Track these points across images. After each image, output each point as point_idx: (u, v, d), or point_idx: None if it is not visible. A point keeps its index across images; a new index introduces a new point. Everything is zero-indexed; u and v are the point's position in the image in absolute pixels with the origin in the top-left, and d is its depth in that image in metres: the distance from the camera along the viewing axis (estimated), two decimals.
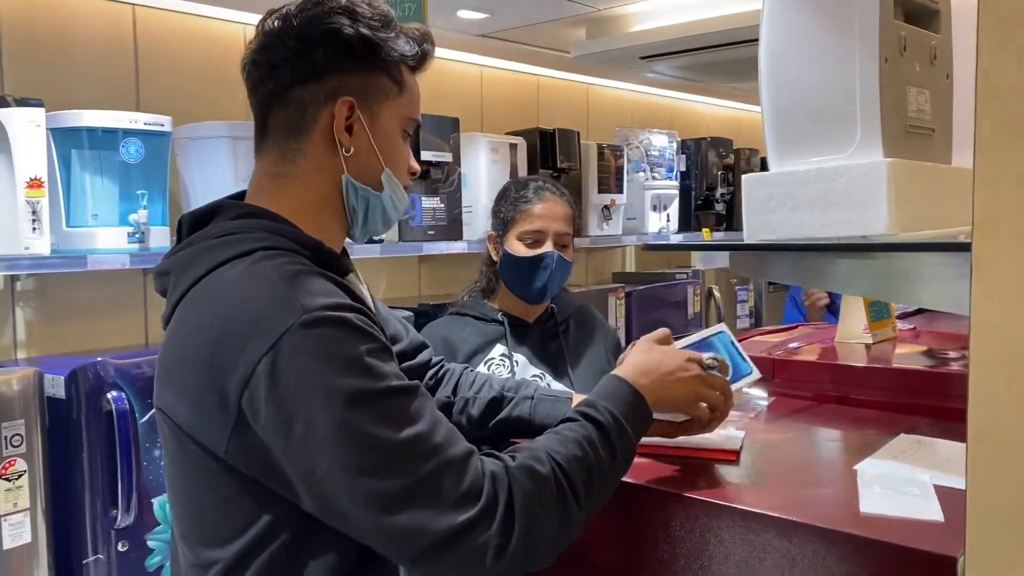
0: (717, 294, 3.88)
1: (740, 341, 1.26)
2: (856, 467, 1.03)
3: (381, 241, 2.67)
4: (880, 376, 1.38)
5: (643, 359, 1.11)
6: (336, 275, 1.00)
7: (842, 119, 1.03)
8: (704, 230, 3.97)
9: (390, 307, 2.38)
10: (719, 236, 4.07)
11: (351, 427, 0.85)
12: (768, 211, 1.09)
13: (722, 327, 1.19)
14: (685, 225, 4.02)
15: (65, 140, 2.13)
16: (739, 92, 4.32)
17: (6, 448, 1.81)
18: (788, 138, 1.09)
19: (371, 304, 1.10)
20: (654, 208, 3.85)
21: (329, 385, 0.85)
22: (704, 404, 1.10)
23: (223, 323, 0.89)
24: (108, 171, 2.17)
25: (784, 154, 1.09)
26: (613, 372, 1.09)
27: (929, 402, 1.30)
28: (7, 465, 1.81)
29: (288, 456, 0.87)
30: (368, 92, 1.03)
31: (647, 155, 3.81)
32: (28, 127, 2.00)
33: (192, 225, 1.03)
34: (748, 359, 1.15)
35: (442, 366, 1.37)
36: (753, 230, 1.11)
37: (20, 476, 1.83)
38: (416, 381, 0.94)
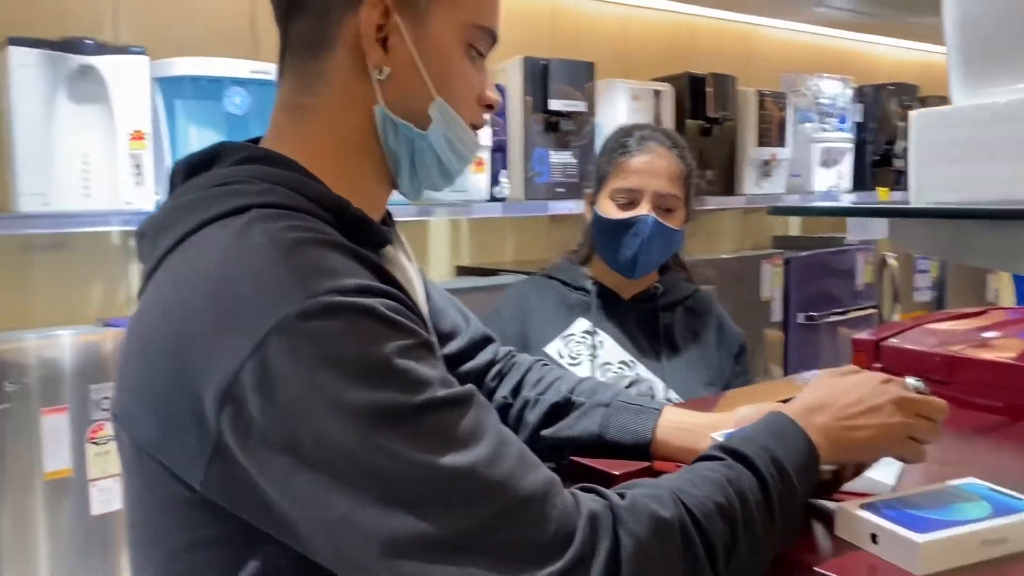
0: (892, 262, 3.41)
1: (912, 327, 0.96)
2: None
3: (503, 199, 2.46)
4: None
5: (813, 392, 0.81)
6: (368, 247, 0.76)
7: None
8: (880, 190, 3.50)
9: (515, 271, 2.13)
10: (898, 197, 3.59)
11: (379, 454, 0.62)
12: (948, 162, 0.77)
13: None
14: (859, 184, 3.56)
15: (170, 90, 2.03)
16: (926, 30, 3.77)
17: (95, 411, 1.74)
18: (982, 58, 0.77)
19: (414, 287, 0.87)
20: (823, 164, 3.43)
21: (342, 400, 0.62)
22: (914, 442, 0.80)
23: (196, 309, 0.67)
24: (213, 123, 2.06)
25: (975, 81, 0.77)
26: (775, 410, 0.81)
27: None
28: (96, 429, 1.74)
29: (289, 493, 0.64)
30: None
31: (816, 103, 3.39)
32: (129, 76, 1.91)
33: (188, 174, 0.80)
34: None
35: (510, 359, 1.11)
36: (924, 189, 0.80)
37: (109, 440, 1.76)
38: (470, 386, 0.70)
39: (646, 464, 0.93)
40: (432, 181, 0.86)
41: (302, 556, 0.68)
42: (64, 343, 1.75)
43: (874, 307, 3.29)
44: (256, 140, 0.84)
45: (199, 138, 2.06)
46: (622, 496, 0.69)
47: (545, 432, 1.02)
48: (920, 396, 0.81)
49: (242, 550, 0.69)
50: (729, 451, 0.74)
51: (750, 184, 3.17)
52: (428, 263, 2.71)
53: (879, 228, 0.90)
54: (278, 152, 0.79)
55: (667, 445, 0.96)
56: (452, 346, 1.05)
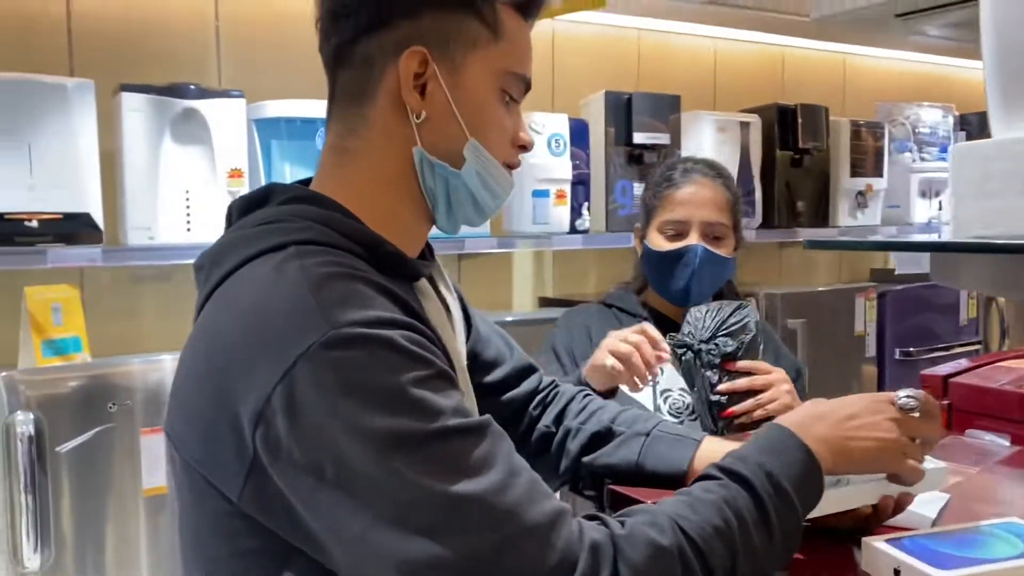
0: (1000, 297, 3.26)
1: (986, 364, 0.94)
2: None
3: (586, 231, 2.49)
4: None
5: (809, 407, 0.84)
6: (401, 280, 0.82)
7: None
8: None
9: (596, 303, 2.15)
10: None
11: (396, 479, 0.66)
12: (984, 195, 0.76)
13: None
14: None
15: (266, 130, 2.16)
16: None
17: None
18: (1019, 92, 0.76)
19: (447, 318, 0.91)
20: (923, 194, 3.33)
21: (359, 425, 0.67)
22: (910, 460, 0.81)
23: (236, 337, 0.73)
24: (306, 161, 2.17)
25: (1014, 113, 0.76)
26: (773, 421, 0.83)
27: None
28: None
29: (314, 510, 0.70)
30: (448, 39, 0.83)
31: (914, 132, 3.29)
32: (229, 118, 2.04)
33: (242, 213, 0.87)
34: None
35: (553, 388, 1.13)
36: (962, 222, 0.79)
37: None
38: (485, 416, 0.73)
39: None
40: (468, 217, 0.91)
41: (331, 570, 0.72)
42: (166, 367, 1.87)
43: (979, 343, 3.14)
44: (308, 181, 0.91)
45: (293, 175, 2.17)
46: (623, 524, 0.71)
47: (585, 460, 1.04)
48: (914, 417, 0.81)
49: (277, 561, 0.74)
50: (725, 471, 0.76)
51: (844, 215, 3.10)
52: (511, 294, 2.76)
53: (926, 261, 0.89)
54: (320, 193, 0.85)
55: None
56: (496, 374, 1.08)
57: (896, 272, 3.10)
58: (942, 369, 1.23)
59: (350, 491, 0.67)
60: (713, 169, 1.65)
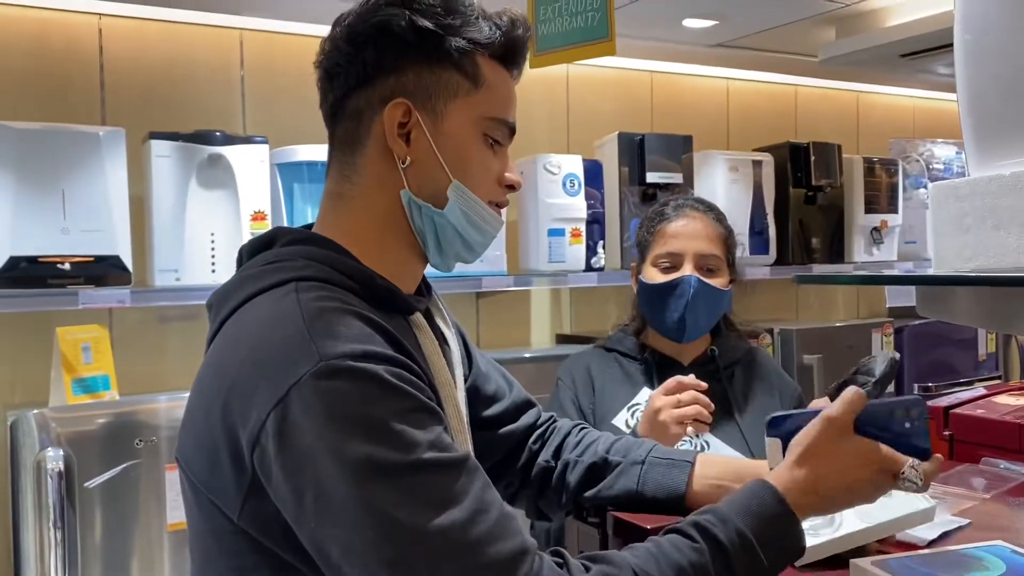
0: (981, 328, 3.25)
1: (988, 397, 0.97)
2: None
3: (601, 268, 2.53)
4: None
5: (809, 464, 0.85)
6: (396, 313, 0.88)
7: None
8: None
9: (594, 348, 2.16)
10: None
11: (367, 506, 0.71)
12: (962, 231, 0.80)
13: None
14: None
15: (288, 174, 2.23)
16: None
17: None
18: (992, 131, 0.80)
19: (441, 352, 0.95)
20: None
21: (339, 452, 0.72)
22: None
23: (239, 366, 0.79)
24: None
25: (986, 153, 0.80)
26: (762, 477, 0.85)
27: None
28: None
29: (300, 530, 0.75)
30: (430, 90, 0.90)
31: (928, 169, 3.32)
32: (252, 162, 2.11)
33: (251, 254, 0.94)
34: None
35: (552, 423, 1.17)
36: (942, 257, 0.83)
37: None
38: (463, 452, 0.78)
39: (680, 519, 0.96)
40: (458, 253, 0.96)
41: None
42: None
43: (998, 377, 3.13)
44: (311, 226, 0.97)
45: (314, 217, 2.22)
46: (586, 568, 0.75)
47: (588, 494, 1.07)
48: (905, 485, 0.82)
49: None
50: (703, 532, 0.79)
51: (860, 252, 3.12)
52: (529, 331, 2.80)
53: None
54: (319, 234, 0.92)
55: (705, 497, 1.00)
56: (495, 408, 1.12)
57: (888, 305, 3.11)
58: (943, 400, 1.25)
59: (327, 519, 0.72)
60: (704, 204, 1.68)
